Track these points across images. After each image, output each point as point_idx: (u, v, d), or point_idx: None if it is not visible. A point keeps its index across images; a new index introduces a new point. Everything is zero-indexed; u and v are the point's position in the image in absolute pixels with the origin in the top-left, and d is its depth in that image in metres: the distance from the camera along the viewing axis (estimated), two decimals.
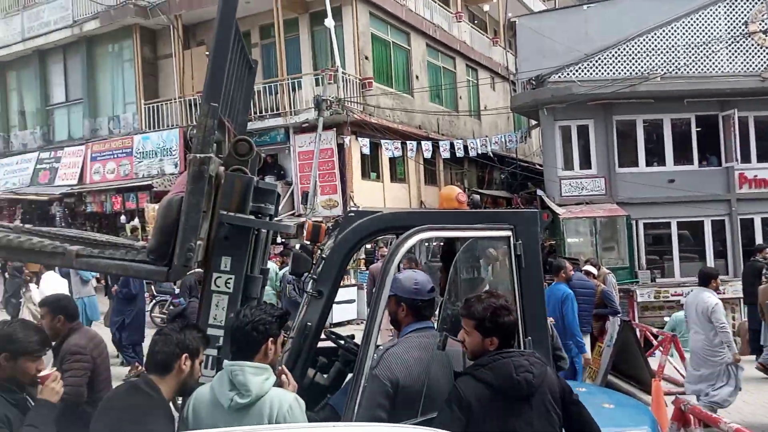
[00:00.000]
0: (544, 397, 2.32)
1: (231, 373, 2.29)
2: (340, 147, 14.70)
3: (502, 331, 2.38)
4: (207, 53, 16.25)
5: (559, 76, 15.27)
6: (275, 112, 15.12)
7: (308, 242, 3.36)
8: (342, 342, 3.38)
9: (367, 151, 14.95)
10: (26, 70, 19.71)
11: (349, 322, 11.94)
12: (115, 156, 17.09)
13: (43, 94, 19.38)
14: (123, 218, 16.09)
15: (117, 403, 2.36)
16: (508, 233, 2.79)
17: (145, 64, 17.12)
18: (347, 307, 11.88)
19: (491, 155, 18.00)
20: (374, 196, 15.48)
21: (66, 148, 18.38)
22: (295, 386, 2.47)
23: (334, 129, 14.66)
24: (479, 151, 16.99)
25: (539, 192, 16.28)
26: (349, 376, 3.17)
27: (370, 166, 16.06)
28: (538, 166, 19.63)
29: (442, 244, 3.60)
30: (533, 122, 18.63)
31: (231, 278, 2.88)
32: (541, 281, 2.86)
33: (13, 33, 18.89)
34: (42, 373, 2.60)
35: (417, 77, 17.92)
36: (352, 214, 2.96)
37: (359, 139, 14.96)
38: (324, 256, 2.93)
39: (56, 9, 17.86)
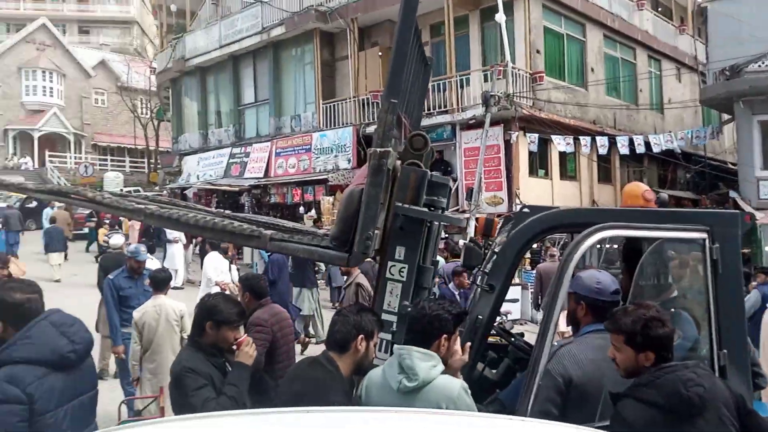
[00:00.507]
0: (719, 411, 2.11)
1: (399, 357, 2.38)
2: (507, 143, 14.44)
3: (656, 345, 2.19)
4: (380, 54, 16.89)
5: (759, 66, 13.61)
6: (443, 109, 15.26)
7: (477, 237, 3.36)
8: (512, 339, 3.33)
9: (535, 147, 14.52)
10: (222, 74, 21.99)
11: (513, 322, 11.74)
12: (296, 152, 18.44)
13: (235, 95, 21.48)
14: (301, 209, 17.33)
15: (301, 374, 2.57)
16: (703, 235, 2.56)
17: (324, 66, 18.23)
18: (511, 306, 11.67)
19: (676, 152, 16.55)
20: (542, 193, 15.00)
21: (254, 145, 20.20)
22: (463, 360, 2.49)
23: (502, 125, 14.44)
24: (663, 147, 15.69)
25: (732, 193, 14.65)
26: (519, 373, 3.13)
27: (539, 162, 15.58)
28: (730, 165, 17.69)
29: (622, 246, 3.39)
30: (726, 116, 16.79)
31: (404, 267, 2.97)
32: (740, 290, 2.58)
33: (212, 41, 21.17)
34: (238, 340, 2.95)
35: (592, 70, 17.02)
36: (527, 210, 2.91)
37: (528, 134, 14.57)
38: (496, 250, 2.92)
39: (248, 17, 19.68)
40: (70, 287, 12.18)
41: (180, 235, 13.57)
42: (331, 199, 16.23)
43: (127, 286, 5.91)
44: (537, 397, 2.33)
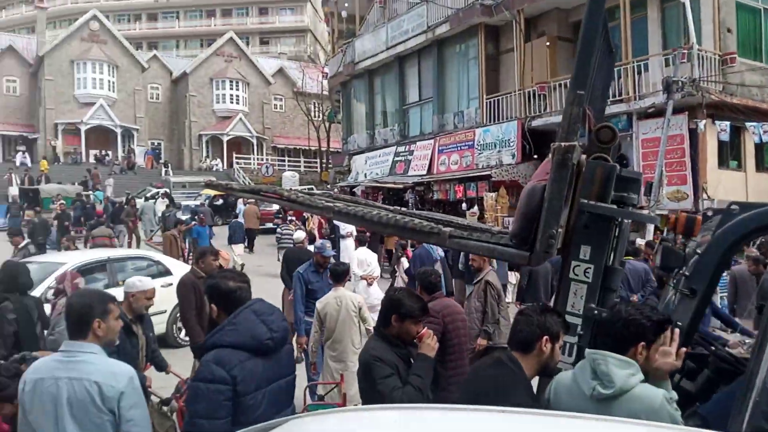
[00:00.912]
0: None
1: (593, 362, 2.26)
2: (692, 132, 13.16)
3: None
4: (547, 44, 16.29)
5: None
6: (618, 97, 14.33)
7: (674, 235, 3.10)
8: (713, 348, 3.03)
9: (726, 136, 13.08)
10: (388, 75, 22.68)
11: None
12: (459, 148, 18.48)
13: (400, 95, 22.04)
14: (464, 205, 17.33)
15: (483, 373, 2.56)
16: None
17: (488, 60, 18.02)
18: None
19: None
20: (733, 187, 13.46)
21: (418, 142, 20.59)
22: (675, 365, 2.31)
23: (686, 113, 13.19)
24: None
25: None
26: (722, 386, 2.84)
27: (729, 153, 14.01)
28: None
29: None
30: None
31: (590, 268, 2.84)
32: None
33: (380, 43, 21.91)
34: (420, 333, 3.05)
35: None
36: (735, 207, 2.62)
37: (717, 122, 13.17)
38: (698, 251, 2.67)
39: (414, 17, 20.07)
40: (254, 276, 13.28)
41: (353, 230, 14.27)
42: (494, 195, 16.02)
43: (314, 280, 6.31)
44: (753, 414, 2.09)
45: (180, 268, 9.36)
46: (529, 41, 16.92)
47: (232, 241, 16.27)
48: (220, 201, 24.77)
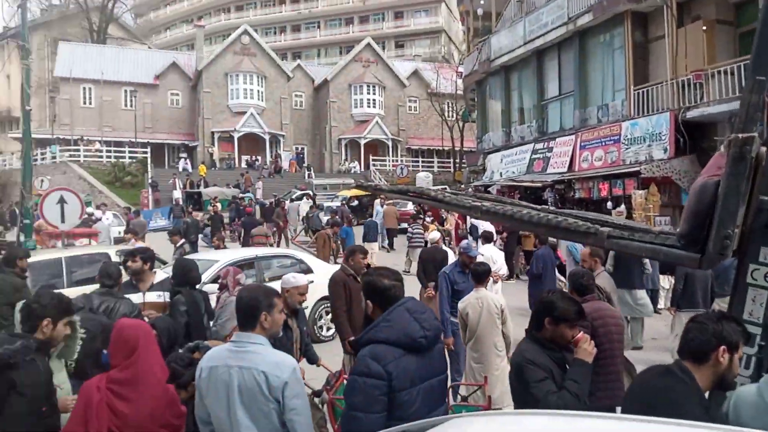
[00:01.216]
0: None
1: None
2: None
3: None
4: (704, 28, 14.95)
5: None
6: None
7: None
8: None
9: None
10: (526, 71, 22.10)
11: None
12: (603, 143, 17.53)
13: (539, 90, 21.38)
14: (609, 204, 16.41)
15: (652, 383, 2.40)
16: None
17: (636, 48, 16.91)
18: None
19: None
20: None
21: (557, 139, 19.85)
22: None
23: None
24: None
25: None
26: None
27: None
28: None
29: None
30: None
31: None
32: None
33: (517, 38, 21.42)
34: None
35: None
36: None
37: None
38: None
39: (554, 9, 19.37)
40: None
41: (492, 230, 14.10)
42: (643, 193, 14.98)
43: (460, 281, 6.30)
44: None
45: (321, 267, 9.80)
46: (683, 26, 15.62)
47: (366, 239, 16.79)
48: (356, 202, 25.64)
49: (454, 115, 39.71)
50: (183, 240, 12.52)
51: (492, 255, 9.53)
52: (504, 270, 9.17)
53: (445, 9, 58.12)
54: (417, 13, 59.31)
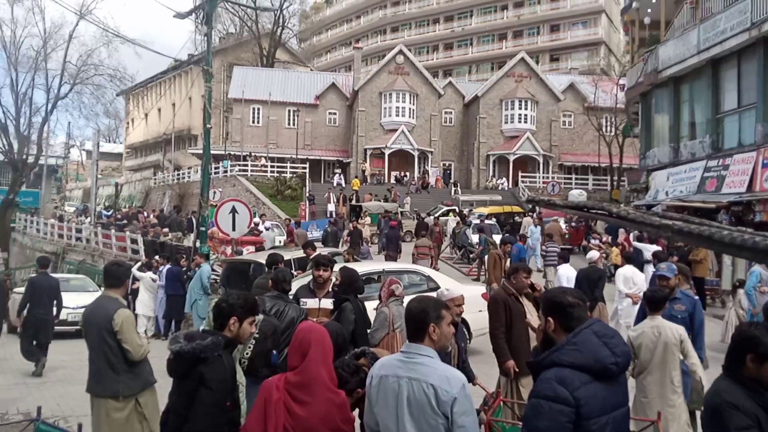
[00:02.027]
0: None
1: None
2: None
3: None
4: None
5: None
6: None
7: None
8: None
9: None
10: (699, 82, 20.27)
11: None
12: None
13: (713, 103, 19.48)
14: None
15: None
16: None
17: None
18: None
19: None
20: None
21: (735, 155, 17.92)
22: None
23: None
24: None
25: None
26: None
27: None
28: None
29: None
30: None
31: None
32: None
33: (689, 47, 19.74)
34: None
35: None
36: None
37: None
38: None
39: (734, 14, 17.60)
40: None
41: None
42: None
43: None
44: None
45: (447, 284, 9.33)
46: None
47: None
48: (493, 220, 25.10)
49: (613, 129, 37.56)
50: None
51: (633, 275, 9.44)
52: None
53: (605, 20, 55.50)
54: (574, 26, 57.28)
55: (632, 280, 9.23)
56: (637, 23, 24.89)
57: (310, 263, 12.11)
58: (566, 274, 10.23)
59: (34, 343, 9.68)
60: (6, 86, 34.12)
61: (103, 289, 5.30)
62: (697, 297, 6.28)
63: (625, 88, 26.80)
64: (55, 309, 9.67)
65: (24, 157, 34.83)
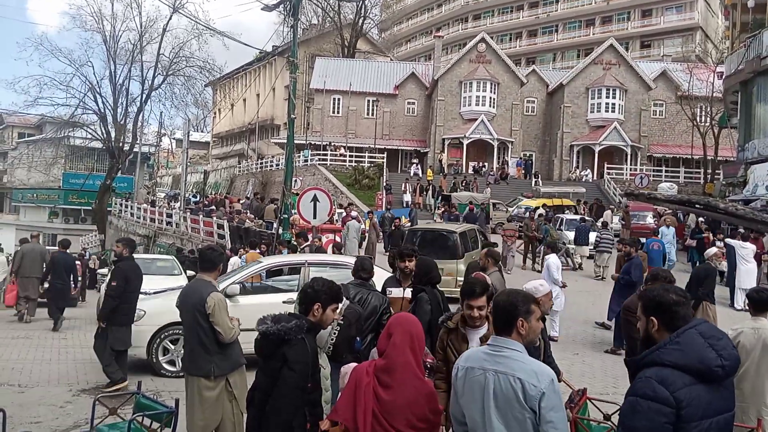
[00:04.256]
0: None
1: None
2: None
3: None
4: None
5: None
6: None
7: None
8: None
9: None
10: None
11: None
12: None
13: None
14: None
15: None
16: None
17: None
18: None
19: None
20: None
21: None
22: None
23: None
24: None
25: None
26: None
27: None
28: None
29: None
30: None
31: None
32: None
33: None
34: None
35: None
36: None
37: None
38: None
39: None
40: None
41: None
42: None
43: None
44: None
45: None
46: None
47: (577, 242, 18.64)
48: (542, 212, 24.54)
49: (709, 120, 35.39)
50: None
51: None
52: None
53: (702, 4, 52.27)
54: (668, 10, 54.32)
55: None
56: (739, 6, 23.30)
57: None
58: (556, 263, 10.26)
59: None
60: (105, 78, 36.18)
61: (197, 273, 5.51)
62: None
63: (723, 76, 25.19)
64: (71, 282, 13.28)
65: (120, 145, 37.01)
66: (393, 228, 19.50)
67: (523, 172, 41.55)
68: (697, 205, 2.96)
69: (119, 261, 7.72)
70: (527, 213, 23.12)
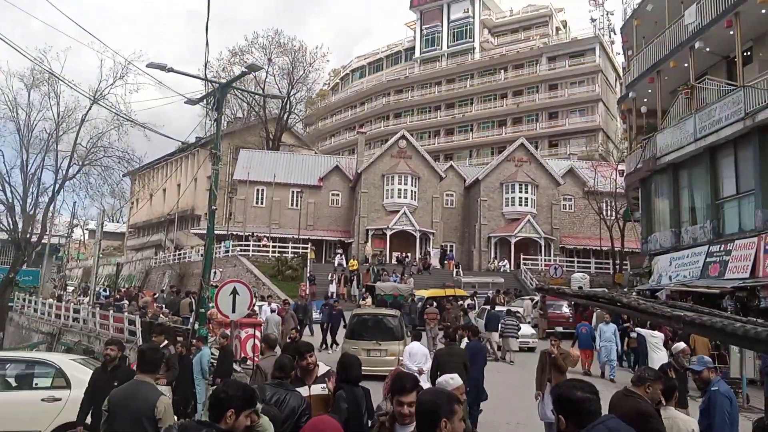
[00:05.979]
0: None
1: None
2: None
3: None
4: None
5: None
6: None
7: None
8: None
9: None
10: (697, 169, 20.66)
11: None
12: None
13: (712, 189, 19.77)
14: None
15: None
16: None
17: None
18: None
19: None
20: None
21: (737, 241, 17.97)
22: None
23: None
24: None
25: None
26: None
27: None
28: None
29: None
30: None
31: None
32: None
33: (686, 135, 20.27)
34: None
35: None
36: None
37: None
38: None
39: (728, 105, 18.19)
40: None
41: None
42: None
43: None
44: None
45: (82, 381, 8.13)
46: None
47: (487, 328, 18.65)
48: (434, 303, 24.80)
49: (614, 214, 37.89)
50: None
51: None
52: None
53: (602, 108, 57.30)
54: (572, 113, 59.10)
55: None
56: (634, 112, 25.65)
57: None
58: (410, 351, 10.07)
59: None
60: (16, 167, 34.57)
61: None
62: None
63: (625, 174, 27.26)
64: None
65: (27, 236, 34.93)
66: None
67: (438, 260, 42.20)
68: (601, 300, 3.08)
69: None
70: (419, 303, 23.24)
